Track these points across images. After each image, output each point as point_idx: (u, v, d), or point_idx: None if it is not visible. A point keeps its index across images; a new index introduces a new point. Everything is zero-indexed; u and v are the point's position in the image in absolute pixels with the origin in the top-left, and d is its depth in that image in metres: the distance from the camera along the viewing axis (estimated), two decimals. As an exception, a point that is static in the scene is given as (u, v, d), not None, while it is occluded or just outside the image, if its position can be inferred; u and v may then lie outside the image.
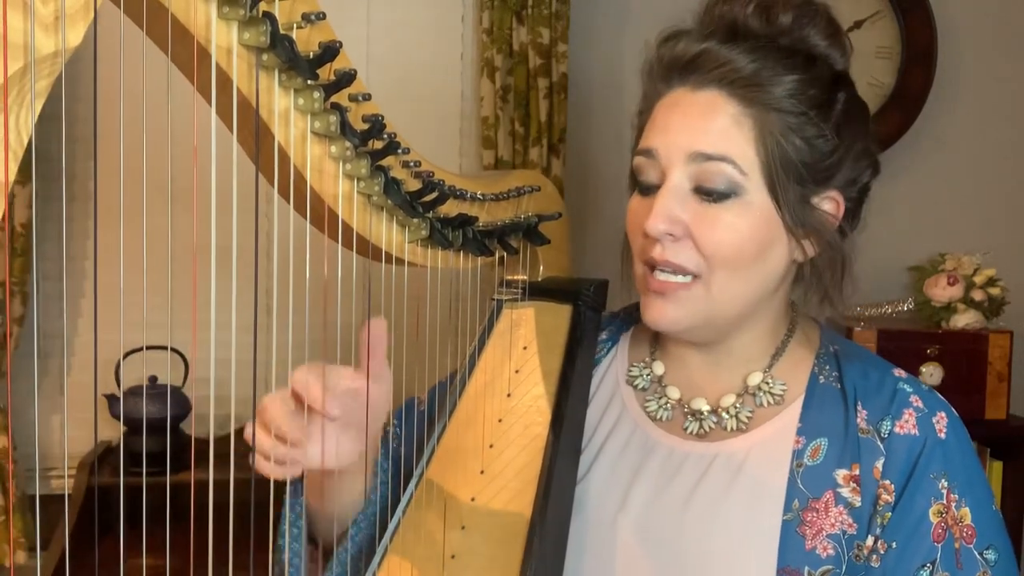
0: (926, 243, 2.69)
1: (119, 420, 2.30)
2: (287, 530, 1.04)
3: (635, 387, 1.13)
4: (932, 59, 2.80)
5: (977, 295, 2.52)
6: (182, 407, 2.29)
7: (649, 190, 1.02)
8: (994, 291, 2.54)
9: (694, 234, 0.99)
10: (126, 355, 2.25)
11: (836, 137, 1.00)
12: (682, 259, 0.99)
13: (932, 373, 2.46)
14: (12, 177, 0.55)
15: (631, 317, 1.21)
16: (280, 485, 0.94)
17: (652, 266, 1.02)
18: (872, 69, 2.77)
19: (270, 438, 0.88)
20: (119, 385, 2.27)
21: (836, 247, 1.03)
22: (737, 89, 0.98)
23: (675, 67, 1.02)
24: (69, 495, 2.19)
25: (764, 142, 0.97)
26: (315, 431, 0.89)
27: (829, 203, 1.02)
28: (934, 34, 2.79)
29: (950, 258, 2.59)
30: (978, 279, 2.54)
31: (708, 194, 0.98)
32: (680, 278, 1.00)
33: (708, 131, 0.98)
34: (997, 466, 2.46)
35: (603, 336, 1.21)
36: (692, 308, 1.01)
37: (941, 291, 2.53)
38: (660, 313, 1.03)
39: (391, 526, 1.01)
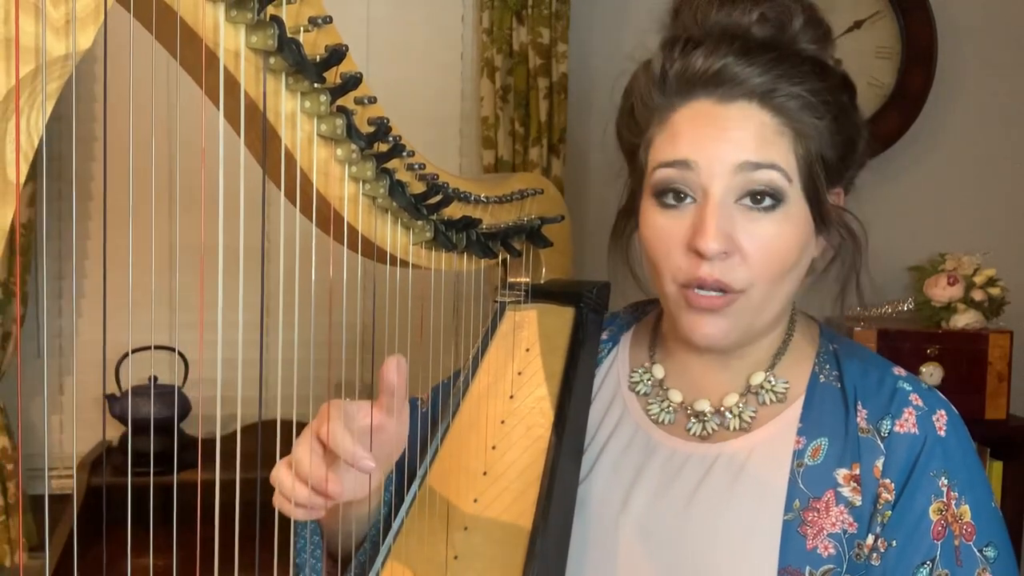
0: (926, 243, 2.69)
1: (119, 420, 2.30)
2: (308, 539, 1.05)
3: (637, 392, 1.13)
4: (932, 59, 2.80)
5: (977, 295, 2.53)
6: (182, 407, 2.30)
7: (678, 204, 0.99)
8: (994, 291, 2.54)
9: (745, 249, 0.97)
10: (126, 355, 2.26)
11: (850, 138, 1.03)
12: (731, 278, 0.97)
13: (932, 373, 2.46)
14: (23, 178, 0.56)
15: (632, 317, 1.22)
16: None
17: (694, 285, 0.98)
18: (872, 69, 2.77)
19: (291, 477, 0.86)
20: (119, 385, 2.27)
21: (854, 233, 1.05)
22: (767, 101, 0.98)
23: (696, 80, 0.99)
24: (70, 495, 2.19)
25: (801, 148, 0.98)
26: (337, 469, 0.87)
27: (834, 197, 1.04)
28: (934, 34, 2.79)
29: (950, 258, 2.59)
30: (978, 279, 2.54)
31: (756, 204, 0.97)
32: (722, 294, 0.98)
33: (752, 141, 0.97)
34: (997, 466, 2.46)
35: (603, 336, 1.21)
36: (738, 320, 1.00)
37: (941, 291, 2.54)
38: (714, 328, 1.00)
39: (394, 527, 1.01)
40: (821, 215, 1.00)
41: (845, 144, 1.02)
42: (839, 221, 1.04)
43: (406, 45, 2.59)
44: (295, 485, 0.86)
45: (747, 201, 0.97)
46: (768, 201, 0.97)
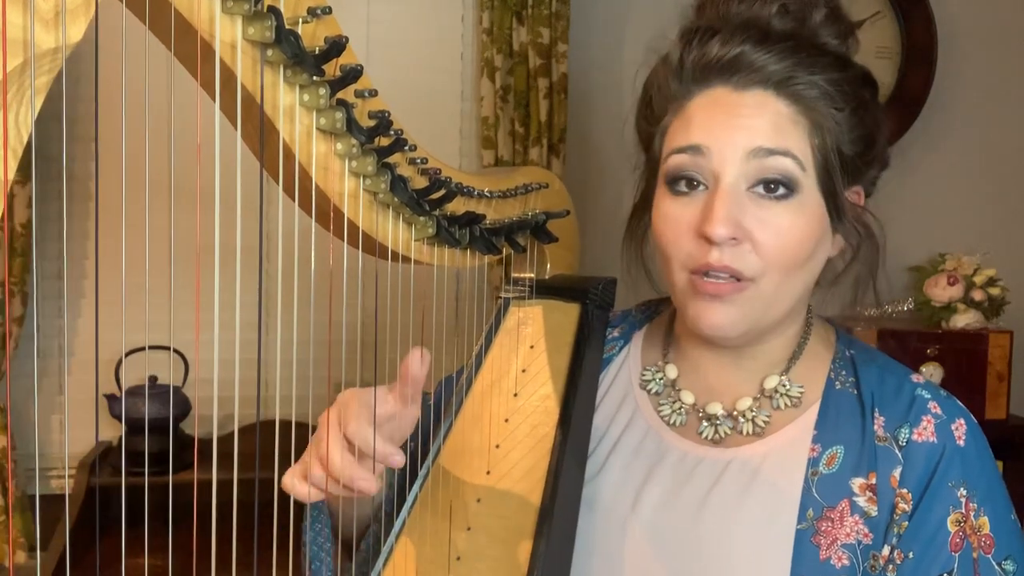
0: (926, 243, 2.68)
1: (119, 420, 2.30)
2: (319, 531, 1.04)
3: (648, 391, 1.12)
4: (932, 59, 2.80)
5: (977, 295, 2.52)
6: (182, 407, 2.29)
7: (691, 190, 0.99)
8: (994, 291, 2.54)
9: (756, 237, 0.96)
10: (126, 355, 2.25)
11: (870, 133, 1.01)
12: (741, 264, 0.96)
13: (932, 373, 2.45)
14: (12, 175, 0.55)
15: (644, 316, 1.20)
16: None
17: (703, 272, 0.97)
18: (872, 69, 2.74)
19: (323, 474, 0.85)
20: (119, 385, 2.26)
21: (874, 235, 1.04)
22: (783, 89, 0.97)
23: (712, 67, 0.99)
24: (69, 495, 2.19)
25: (817, 138, 0.97)
26: (365, 463, 0.86)
27: (854, 196, 1.03)
28: (934, 34, 2.79)
29: (950, 258, 2.59)
30: (978, 279, 2.54)
31: (769, 191, 0.96)
32: (732, 281, 0.97)
33: (766, 127, 0.96)
34: (997, 466, 2.46)
35: (615, 334, 1.20)
36: (748, 310, 0.98)
37: (941, 291, 2.53)
38: (721, 317, 0.98)
39: (396, 526, 1.00)
40: (837, 210, 0.99)
41: (863, 139, 1.01)
42: (857, 219, 1.02)
43: (406, 45, 2.58)
44: (328, 482, 0.85)
45: (760, 189, 0.96)
46: (781, 190, 0.96)
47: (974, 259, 2.59)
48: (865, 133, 1.01)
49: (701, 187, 0.98)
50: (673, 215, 0.99)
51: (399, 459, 0.84)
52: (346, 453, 0.84)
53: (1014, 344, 2.50)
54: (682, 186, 0.99)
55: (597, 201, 2.67)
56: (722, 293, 0.97)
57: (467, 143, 2.65)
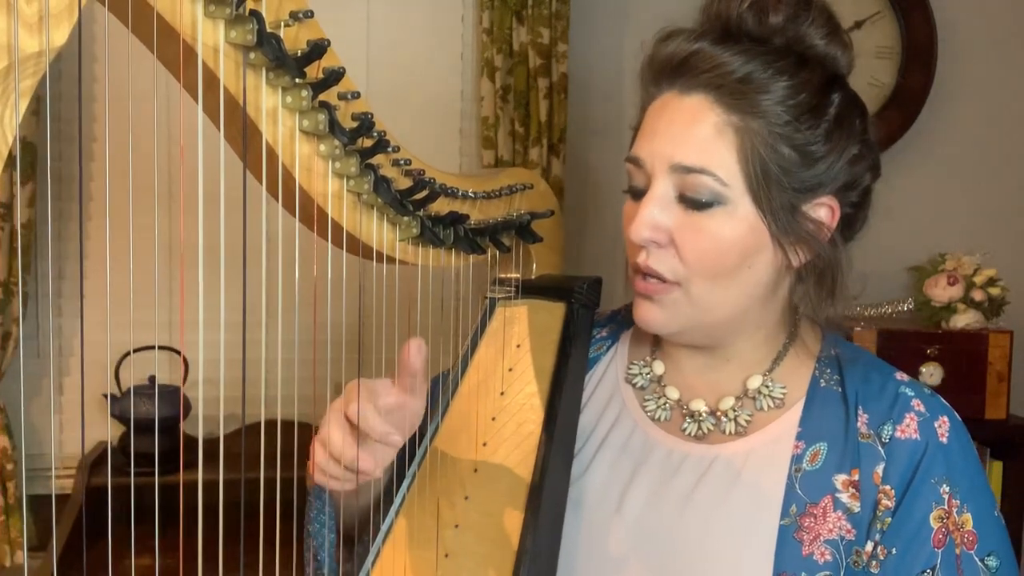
0: (926, 243, 2.68)
1: (119, 420, 2.30)
2: (314, 518, 1.06)
3: (634, 386, 1.13)
4: (932, 59, 2.79)
5: (977, 295, 2.52)
6: (184, 407, 2.29)
7: (638, 195, 1.02)
8: (994, 291, 2.53)
9: (676, 242, 0.98)
10: (125, 356, 2.26)
11: (826, 142, 0.98)
12: (662, 267, 1.00)
13: (932, 373, 2.45)
14: (-1, 175, 0.56)
15: (632, 316, 1.21)
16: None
17: (637, 271, 1.03)
18: (872, 69, 2.76)
19: (326, 455, 0.93)
20: (119, 385, 2.27)
21: (825, 257, 1.01)
22: (724, 95, 0.96)
23: (665, 69, 1.01)
24: (68, 495, 2.19)
25: (746, 151, 0.96)
26: (366, 446, 0.93)
27: (823, 210, 1.00)
28: (934, 34, 2.78)
29: (950, 258, 2.59)
30: (978, 279, 2.54)
31: (691, 203, 0.98)
32: (659, 283, 1.01)
33: (689, 141, 0.97)
34: (997, 466, 2.46)
35: (603, 334, 1.21)
36: (676, 312, 1.02)
37: (941, 291, 2.53)
38: (649, 315, 1.04)
39: (384, 525, 1.01)
40: (777, 222, 0.98)
41: (820, 149, 0.98)
42: (807, 236, 1.00)
43: (406, 45, 2.58)
44: (329, 463, 0.93)
45: (685, 200, 0.98)
46: (702, 202, 0.97)
47: (974, 259, 2.58)
48: (818, 142, 0.98)
49: (643, 194, 1.01)
50: (625, 216, 1.04)
51: (397, 438, 0.92)
52: (346, 435, 0.92)
53: (1014, 344, 2.49)
54: (633, 191, 1.03)
55: (596, 201, 2.67)
56: (649, 292, 1.02)
57: (467, 143, 2.66)
